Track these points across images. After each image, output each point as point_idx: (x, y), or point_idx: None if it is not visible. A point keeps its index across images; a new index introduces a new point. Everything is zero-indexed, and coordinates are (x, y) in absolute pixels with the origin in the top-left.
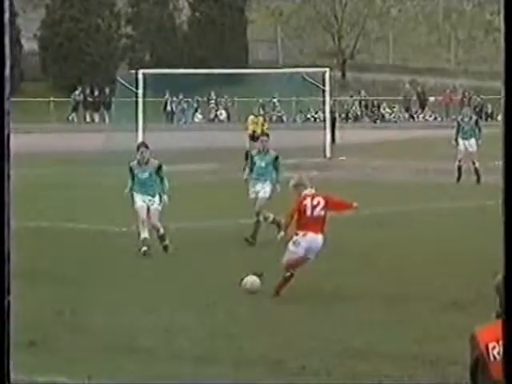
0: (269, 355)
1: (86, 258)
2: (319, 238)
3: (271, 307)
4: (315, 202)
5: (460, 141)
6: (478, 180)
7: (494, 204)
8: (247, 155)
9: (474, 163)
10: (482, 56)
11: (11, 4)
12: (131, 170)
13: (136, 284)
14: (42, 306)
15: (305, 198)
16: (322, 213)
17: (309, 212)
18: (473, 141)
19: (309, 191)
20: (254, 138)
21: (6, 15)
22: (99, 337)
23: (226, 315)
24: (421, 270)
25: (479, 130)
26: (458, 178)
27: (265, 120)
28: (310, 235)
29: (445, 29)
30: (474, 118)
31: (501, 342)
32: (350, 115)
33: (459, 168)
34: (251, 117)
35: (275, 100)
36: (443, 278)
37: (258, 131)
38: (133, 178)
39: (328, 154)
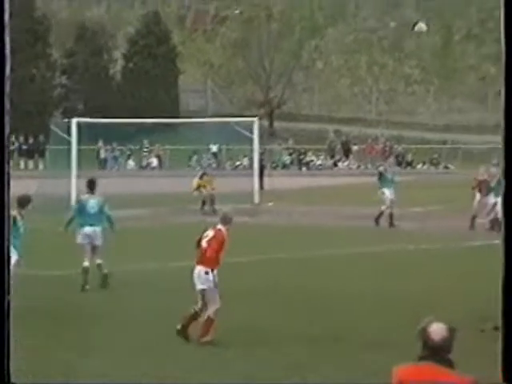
0: None
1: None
2: (198, 268)
3: (196, 350)
4: (206, 234)
5: (386, 190)
6: (391, 224)
7: (412, 249)
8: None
9: (391, 208)
10: (402, 107)
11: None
12: None
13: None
14: None
15: (207, 229)
16: (205, 244)
17: (201, 243)
18: (393, 189)
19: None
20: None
21: (6, 15)
22: None
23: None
24: (345, 311)
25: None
26: (390, 223)
27: (212, 179)
28: (196, 267)
29: (367, 81)
30: (395, 168)
31: None
32: (278, 163)
33: (381, 213)
34: (196, 179)
35: (214, 148)
36: (365, 319)
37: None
38: None
39: (256, 200)
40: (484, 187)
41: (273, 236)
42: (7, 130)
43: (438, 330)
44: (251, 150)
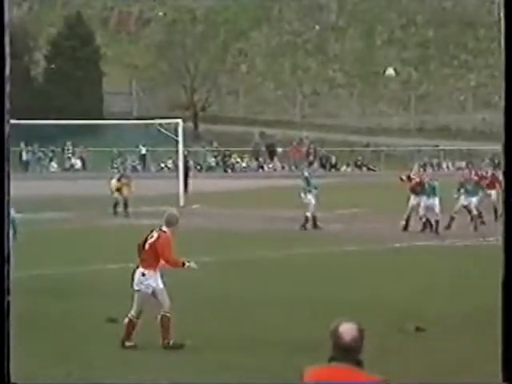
0: None
1: None
2: (138, 271)
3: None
4: (150, 236)
5: (310, 194)
6: (315, 226)
7: (336, 251)
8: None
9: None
10: (325, 110)
11: None
12: None
13: None
14: None
15: (152, 231)
16: (147, 246)
17: (145, 244)
18: (316, 194)
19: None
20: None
21: (7, 15)
22: None
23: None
24: (271, 314)
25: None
26: (315, 225)
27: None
28: (138, 269)
29: (291, 84)
30: (320, 171)
31: None
32: (203, 165)
33: (307, 219)
34: (113, 181)
35: (143, 150)
36: (291, 322)
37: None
38: None
39: (181, 203)
40: (419, 188)
41: (197, 239)
42: (7, 130)
43: (348, 331)
44: (176, 153)
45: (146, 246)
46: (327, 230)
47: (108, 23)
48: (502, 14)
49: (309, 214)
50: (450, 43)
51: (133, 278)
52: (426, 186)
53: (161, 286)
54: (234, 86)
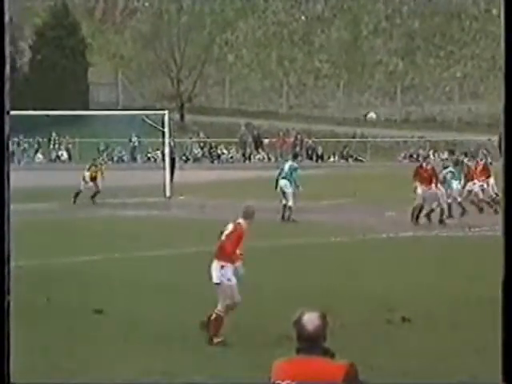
0: None
1: None
2: (214, 263)
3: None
4: (227, 228)
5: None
6: (288, 218)
7: (322, 241)
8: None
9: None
10: (311, 101)
11: None
12: None
13: None
14: None
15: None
16: (223, 238)
17: (221, 237)
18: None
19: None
20: (91, 179)
21: (7, 15)
22: None
23: None
24: (256, 304)
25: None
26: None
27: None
28: (213, 261)
29: (277, 75)
30: (304, 163)
31: (287, 381)
32: (189, 156)
33: (290, 209)
34: (86, 172)
35: (135, 140)
36: (276, 312)
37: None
38: None
39: (168, 194)
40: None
41: (183, 229)
42: (7, 130)
43: (310, 320)
44: (162, 144)
45: (222, 238)
46: (312, 220)
47: (94, 13)
48: (499, 9)
49: (291, 204)
50: (435, 34)
51: (209, 272)
52: (441, 175)
53: (233, 280)
54: (220, 77)
